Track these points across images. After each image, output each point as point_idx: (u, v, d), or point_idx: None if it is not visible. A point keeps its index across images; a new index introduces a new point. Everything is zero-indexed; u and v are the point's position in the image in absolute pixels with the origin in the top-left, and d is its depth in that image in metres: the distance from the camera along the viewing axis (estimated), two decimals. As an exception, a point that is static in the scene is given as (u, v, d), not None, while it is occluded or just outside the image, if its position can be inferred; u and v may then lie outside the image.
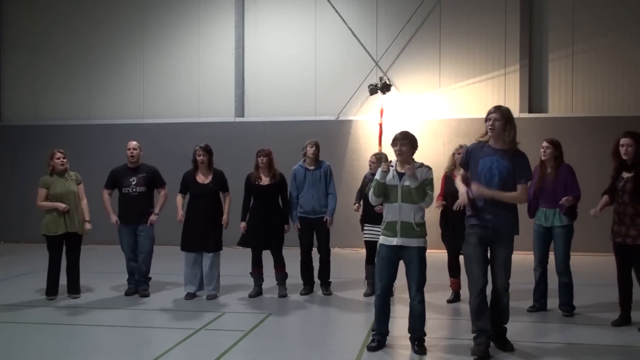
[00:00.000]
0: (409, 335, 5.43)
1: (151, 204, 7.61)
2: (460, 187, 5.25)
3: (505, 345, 5.28)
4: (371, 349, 5.32)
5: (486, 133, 5.13)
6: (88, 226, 7.41)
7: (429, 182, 5.32)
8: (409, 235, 5.27)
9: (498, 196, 5.02)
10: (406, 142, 5.30)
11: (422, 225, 5.32)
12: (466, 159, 5.25)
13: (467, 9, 12.10)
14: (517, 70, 11.84)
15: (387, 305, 5.42)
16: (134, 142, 7.61)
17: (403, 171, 5.28)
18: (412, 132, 5.44)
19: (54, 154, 7.35)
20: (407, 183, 5.26)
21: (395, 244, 5.29)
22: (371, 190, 5.43)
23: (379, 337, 5.41)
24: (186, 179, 7.45)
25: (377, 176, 5.35)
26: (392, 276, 5.43)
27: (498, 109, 5.08)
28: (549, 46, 11.87)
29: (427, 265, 5.38)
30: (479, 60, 12.06)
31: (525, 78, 11.82)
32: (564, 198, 6.25)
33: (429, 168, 5.37)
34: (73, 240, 7.39)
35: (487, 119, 5.08)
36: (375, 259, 5.48)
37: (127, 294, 7.59)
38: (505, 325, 5.32)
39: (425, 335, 5.40)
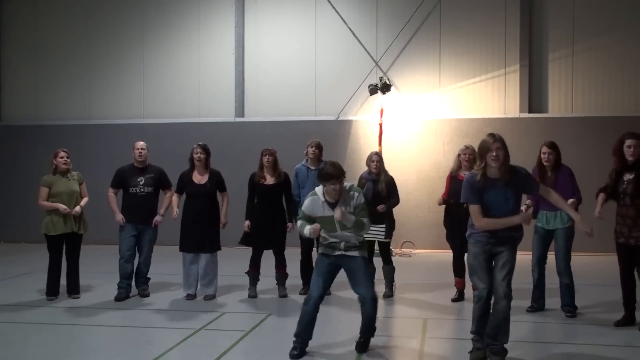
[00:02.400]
0: (359, 337, 5.27)
1: (156, 205, 7.56)
2: (507, 220, 4.78)
3: None
4: (294, 357, 5.07)
5: (482, 163, 4.76)
6: (77, 209, 7.23)
7: (362, 207, 5.13)
8: (352, 249, 5.18)
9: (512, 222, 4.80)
10: (342, 178, 5.05)
11: (363, 240, 5.26)
12: (473, 194, 4.81)
13: (467, 8, 12.09)
14: (517, 70, 11.84)
15: (316, 313, 5.19)
16: (142, 142, 7.54)
17: (333, 201, 5.08)
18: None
19: (58, 153, 7.34)
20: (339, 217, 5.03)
21: (338, 254, 5.19)
22: (302, 228, 5.21)
23: (301, 345, 5.16)
24: (182, 179, 7.43)
25: (305, 231, 5.15)
26: (329, 285, 5.34)
27: (497, 138, 4.71)
28: (549, 46, 11.87)
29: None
30: (479, 60, 12.05)
31: (525, 78, 11.82)
32: (570, 201, 6.18)
33: (359, 192, 5.18)
34: (73, 241, 7.38)
35: (487, 150, 4.69)
36: (315, 267, 5.33)
37: (117, 299, 7.29)
38: (505, 346, 4.87)
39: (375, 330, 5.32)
